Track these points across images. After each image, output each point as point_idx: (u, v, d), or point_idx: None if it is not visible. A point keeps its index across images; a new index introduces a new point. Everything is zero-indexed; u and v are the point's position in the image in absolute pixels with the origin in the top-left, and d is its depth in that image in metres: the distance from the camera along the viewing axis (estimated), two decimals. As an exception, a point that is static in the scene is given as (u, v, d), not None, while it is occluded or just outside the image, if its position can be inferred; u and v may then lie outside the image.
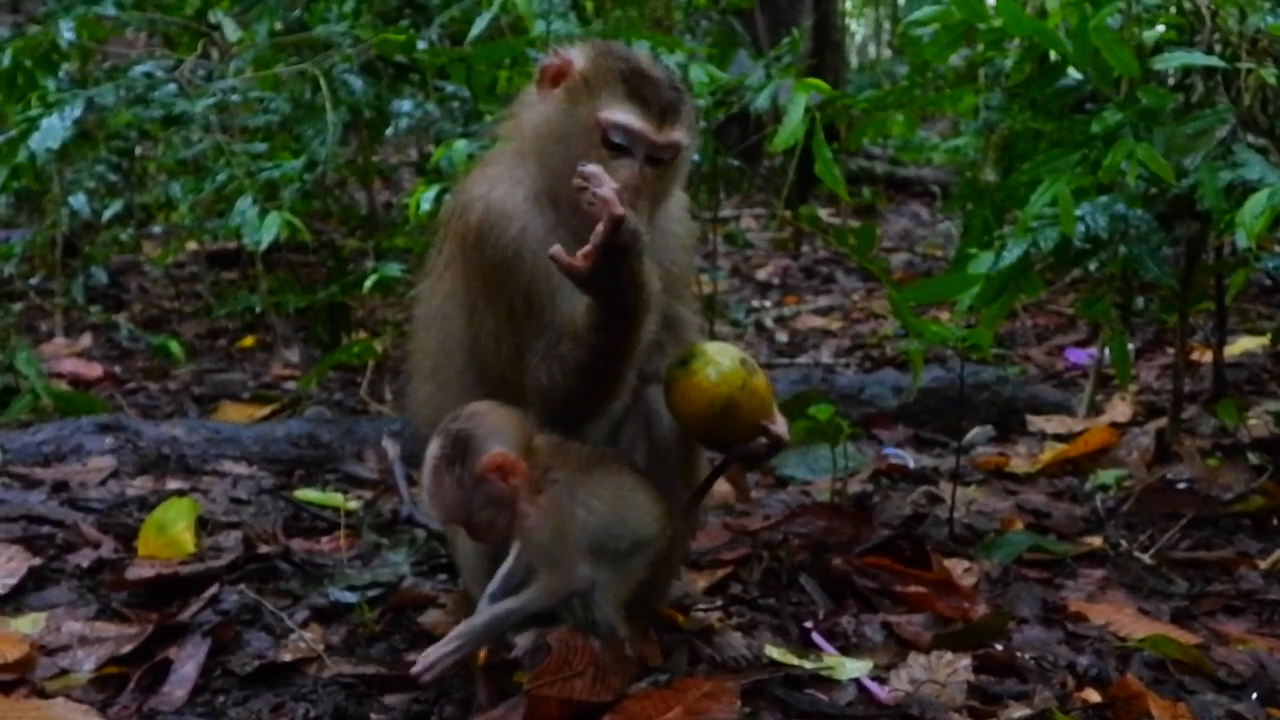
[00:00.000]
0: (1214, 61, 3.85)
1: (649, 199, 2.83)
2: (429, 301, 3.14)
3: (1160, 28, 4.11)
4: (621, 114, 2.80)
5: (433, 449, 2.70)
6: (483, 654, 2.85)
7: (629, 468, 2.89)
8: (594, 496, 2.78)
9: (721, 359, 2.78)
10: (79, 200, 6.27)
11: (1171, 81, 4.22)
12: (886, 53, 19.62)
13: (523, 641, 2.84)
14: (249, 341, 6.89)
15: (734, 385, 2.76)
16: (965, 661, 2.93)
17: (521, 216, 2.84)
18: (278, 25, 5.74)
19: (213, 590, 3.31)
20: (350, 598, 3.33)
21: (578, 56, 2.90)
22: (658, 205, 2.91)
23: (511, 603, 2.74)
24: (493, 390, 2.92)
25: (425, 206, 4.65)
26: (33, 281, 7.33)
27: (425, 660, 2.67)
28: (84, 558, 3.61)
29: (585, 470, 2.80)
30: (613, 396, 2.87)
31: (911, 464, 4.69)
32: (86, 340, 6.80)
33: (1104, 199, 3.82)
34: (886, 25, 19.47)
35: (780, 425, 2.85)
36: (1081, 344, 6.49)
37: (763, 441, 2.83)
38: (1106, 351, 4.96)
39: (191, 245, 7.88)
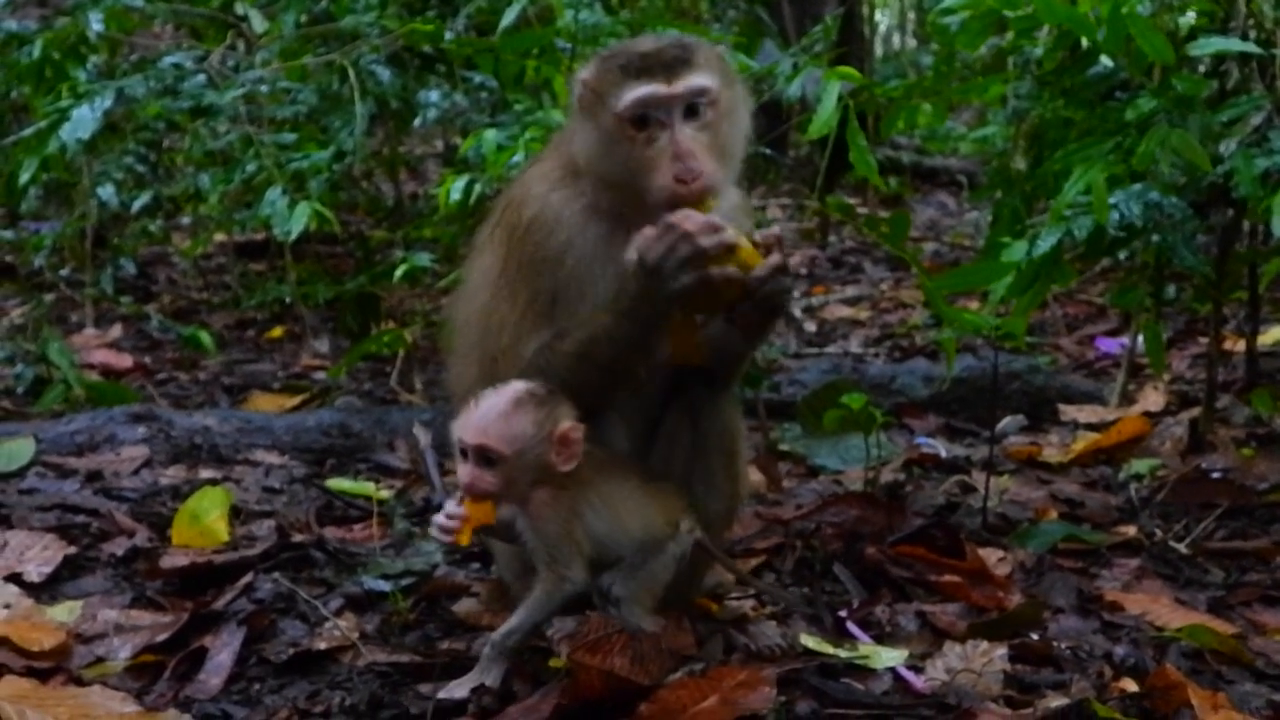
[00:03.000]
0: (1249, 47, 3.82)
1: (715, 155, 2.81)
2: (469, 276, 3.20)
3: (1192, 14, 4.08)
4: (629, 93, 2.80)
5: (536, 385, 2.76)
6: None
7: (637, 472, 2.91)
8: (600, 500, 2.80)
9: None
10: (107, 192, 6.28)
11: (1204, 68, 4.19)
12: (911, 43, 19.55)
13: (560, 625, 2.84)
14: (278, 332, 6.91)
15: None
16: (1001, 651, 2.90)
17: (573, 226, 2.90)
18: (304, 16, 5.75)
19: (247, 579, 3.32)
20: (384, 586, 3.33)
21: (585, 72, 2.93)
22: (727, 162, 2.88)
23: (512, 621, 2.77)
24: (481, 369, 3.01)
25: (454, 197, 4.65)
26: (63, 273, 7.35)
27: (452, 692, 2.72)
28: (118, 546, 3.63)
29: (594, 473, 2.82)
30: (616, 390, 2.92)
31: (943, 453, 4.67)
32: (117, 331, 6.83)
33: (1137, 187, 3.79)
34: (912, 15, 19.39)
35: (769, 264, 2.80)
36: (1112, 333, 6.46)
37: (769, 262, 2.79)
38: (1138, 340, 4.94)
39: (220, 236, 7.90)
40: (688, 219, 2.68)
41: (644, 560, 2.82)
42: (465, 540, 2.81)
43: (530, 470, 2.74)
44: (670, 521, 2.87)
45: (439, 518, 2.84)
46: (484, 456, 2.73)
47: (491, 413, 2.73)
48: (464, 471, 2.75)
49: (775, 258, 2.79)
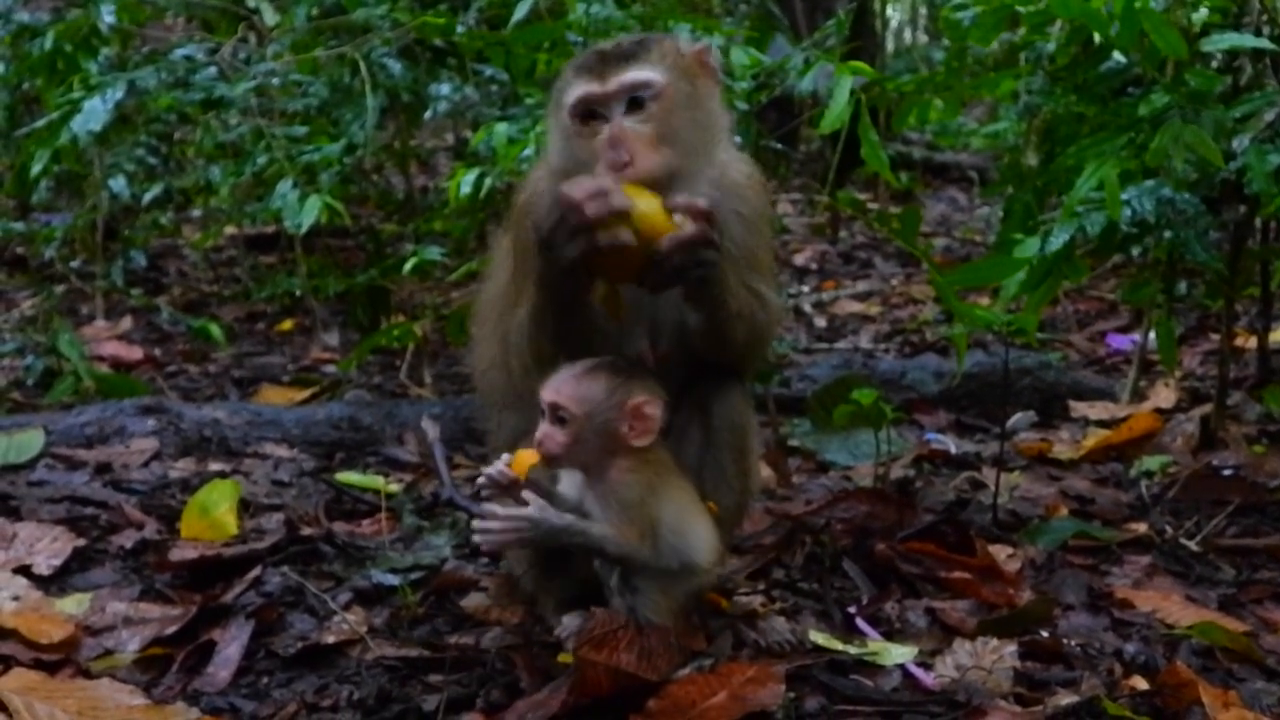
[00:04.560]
0: (1263, 43, 3.80)
1: (659, 144, 2.82)
2: (494, 257, 3.28)
3: (1205, 10, 4.06)
4: (572, 92, 2.87)
5: (610, 358, 2.79)
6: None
7: (700, 499, 2.89)
8: (674, 495, 2.79)
9: None
10: (119, 184, 6.30)
11: (1217, 64, 4.17)
12: (923, 38, 19.52)
13: (568, 622, 2.84)
14: (288, 325, 6.91)
15: None
16: (1011, 648, 2.90)
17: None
18: (316, 9, 5.75)
19: (256, 572, 3.32)
20: (392, 580, 3.33)
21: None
22: (681, 150, 2.86)
23: (581, 523, 2.73)
24: (500, 349, 3.08)
25: (465, 190, 4.65)
26: (73, 265, 7.36)
27: (485, 528, 2.70)
28: (127, 539, 3.63)
29: (673, 474, 2.82)
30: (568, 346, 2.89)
31: (954, 449, 4.66)
32: (127, 323, 6.83)
33: (1150, 183, 3.79)
34: (924, 10, 19.36)
35: (678, 237, 2.69)
36: (1124, 329, 6.44)
37: (688, 226, 2.69)
38: (1149, 337, 4.92)
39: (230, 229, 7.91)
40: (578, 186, 2.66)
41: (675, 574, 2.81)
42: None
43: (599, 436, 2.73)
44: (714, 551, 2.86)
45: (492, 469, 2.81)
46: (557, 415, 2.74)
47: (568, 374, 2.76)
48: (539, 429, 2.76)
49: (689, 230, 2.70)
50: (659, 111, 2.83)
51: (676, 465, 2.86)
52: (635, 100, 2.83)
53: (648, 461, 2.77)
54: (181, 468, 4.36)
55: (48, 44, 5.43)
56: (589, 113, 2.85)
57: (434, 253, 5.18)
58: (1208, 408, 4.64)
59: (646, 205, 2.69)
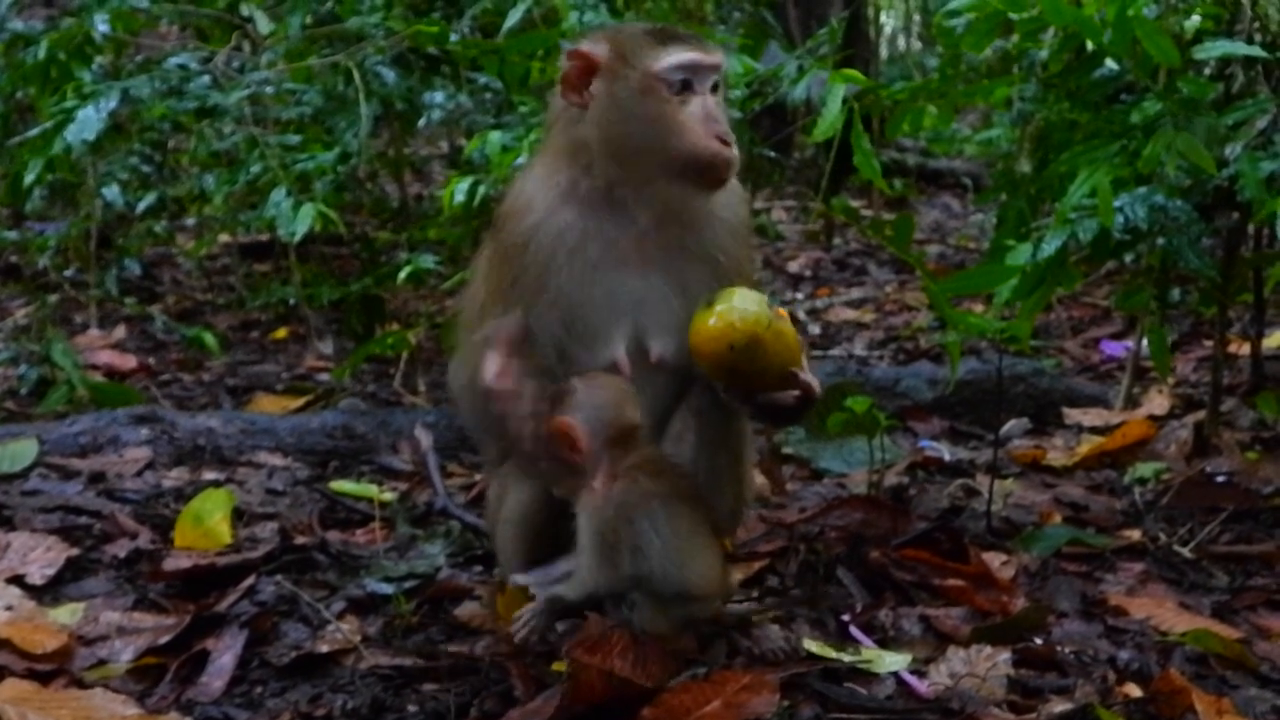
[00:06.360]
0: (1255, 51, 3.80)
1: None
2: (473, 270, 3.22)
3: (1197, 17, 4.06)
4: (671, 56, 2.80)
5: (548, 390, 2.76)
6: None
7: (710, 523, 2.87)
8: (666, 524, 2.75)
9: (747, 301, 2.73)
10: (112, 192, 6.28)
11: (1210, 71, 4.17)
12: (917, 45, 19.53)
13: (562, 629, 2.84)
14: (282, 333, 6.89)
15: (760, 324, 2.70)
16: (1005, 655, 2.90)
17: (541, 211, 2.89)
18: (310, 18, 5.75)
19: (250, 581, 3.31)
20: (387, 589, 3.33)
21: (594, 46, 2.89)
22: None
23: (557, 589, 2.77)
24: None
25: (459, 198, 4.65)
26: (67, 273, 7.33)
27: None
28: (121, 548, 3.63)
29: (672, 497, 2.78)
30: None
31: (947, 456, 4.66)
32: (121, 332, 6.82)
33: (1143, 190, 3.79)
34: (917, 18, 19.37)
35: (809, 374, 2.80)
36: (1117, 336, 6.44)
37: (792, 394, 2.79)
38: (1143, 343, 4.92)
39: (224, 237, 7.90)
40: None
41: (675, 603, 2.80)
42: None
43: (562, 465, 2.74)
44: (716, 581, 2.85)
45: None
46: None
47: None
48: None
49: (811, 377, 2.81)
50: (720, 99, 2.86)
51: (684, 488, 2.82)
52: (715, 83, 2.84)
53: (634, 483, 2.75)
54: (175, 477, 4.35)
55: (41, 52, 5.42)
56: (686, 82, 2.80)
57: (428, 261, 5.18)
58: (1201, 414, 4.64)
59: (791, 335, 2.77)
